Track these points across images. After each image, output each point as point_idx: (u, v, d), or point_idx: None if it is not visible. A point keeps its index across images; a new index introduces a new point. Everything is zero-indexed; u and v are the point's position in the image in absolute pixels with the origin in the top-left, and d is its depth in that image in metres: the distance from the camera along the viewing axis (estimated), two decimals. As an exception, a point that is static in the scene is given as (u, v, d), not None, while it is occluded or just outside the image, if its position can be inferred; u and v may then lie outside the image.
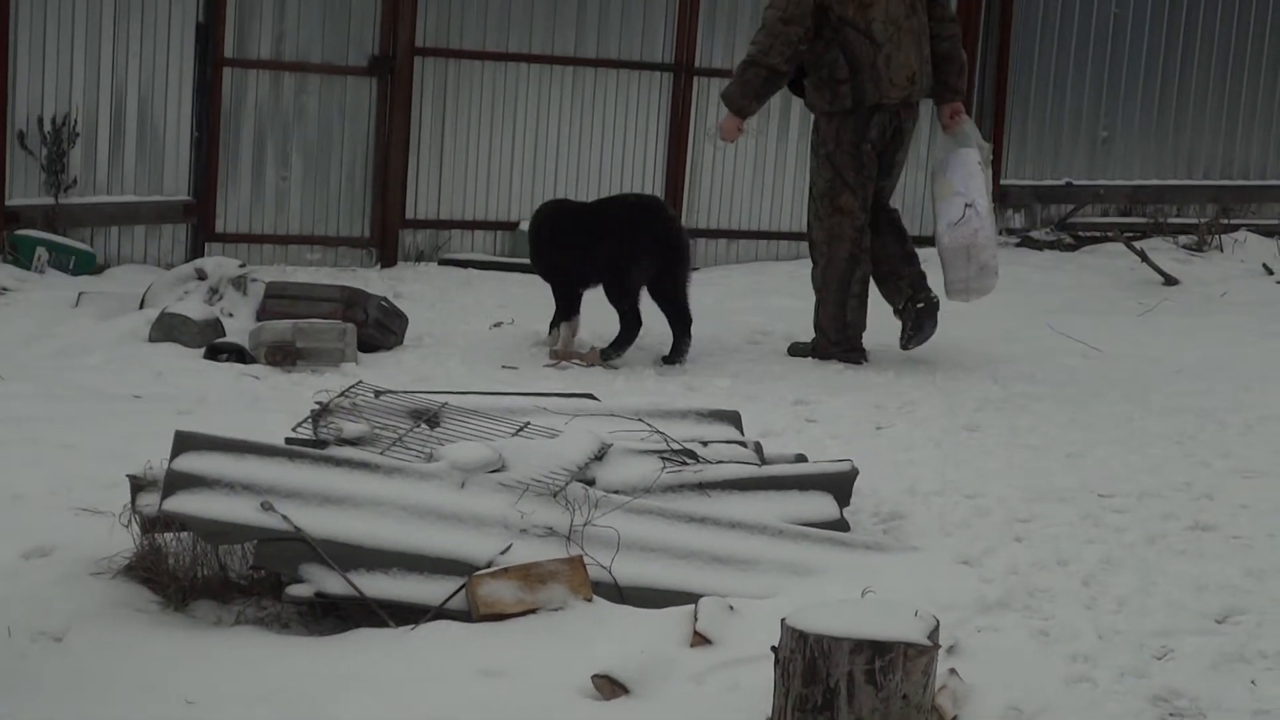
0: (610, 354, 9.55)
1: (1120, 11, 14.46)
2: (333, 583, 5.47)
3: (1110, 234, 13.95)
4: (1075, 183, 14.53)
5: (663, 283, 9.65)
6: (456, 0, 12.51)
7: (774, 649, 4.65)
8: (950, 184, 9.95)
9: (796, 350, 10.02)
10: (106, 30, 11.56)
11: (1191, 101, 14.66)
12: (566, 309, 9.83)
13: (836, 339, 9.82)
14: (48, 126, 11.40)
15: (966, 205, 9.86)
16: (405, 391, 6.89)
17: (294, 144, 12.27)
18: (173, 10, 11.76)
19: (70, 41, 11.44)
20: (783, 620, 4.64)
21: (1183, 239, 14.03)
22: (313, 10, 12.12)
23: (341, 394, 6.58)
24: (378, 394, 6.66)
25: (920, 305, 9.82)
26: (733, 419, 7.10)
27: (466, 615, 5.42)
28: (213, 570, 5.77)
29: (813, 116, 9.96)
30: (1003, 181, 14.13)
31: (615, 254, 9.54)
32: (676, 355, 9.61)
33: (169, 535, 5.81)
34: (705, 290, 12.13)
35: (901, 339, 9.85)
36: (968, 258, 9.87)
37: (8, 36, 11.16)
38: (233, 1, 11.96)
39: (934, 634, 4.62)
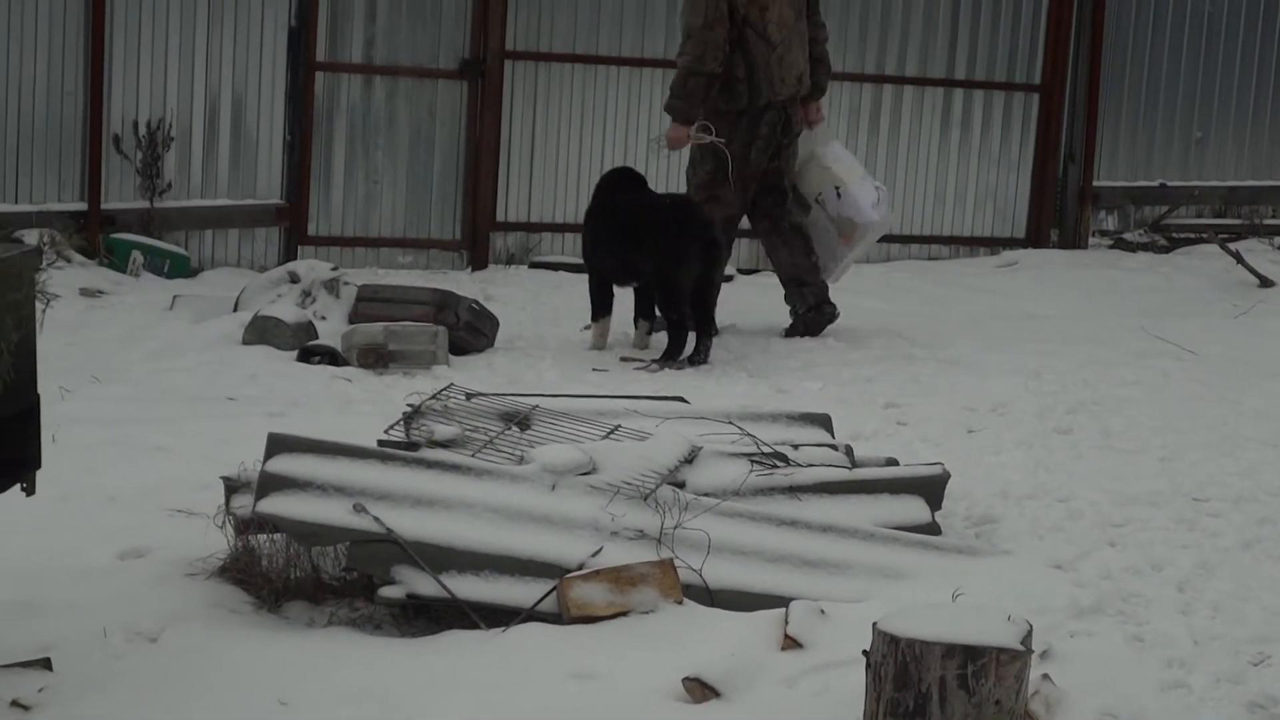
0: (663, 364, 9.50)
1: (1214, 10, 14.33)
2: (424, 584, 5.49)
3: (1205, 235, 13.83)
4: (1169, 184, 14.41)
5: (698, 285, 9.59)
6: (546, 3, 12.53)
7: (865, 653, 4.63)
8: (850, 170, 10.53)
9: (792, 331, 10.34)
10: (200, 35, 11.65)
11: (1288, 101, 14.55)
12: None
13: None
14: (143, 131, 11.52)
15: (876, 186, 10.56)
16: (496, 394, 6.91)
17: (385, 147, 12.32)
18: (265, 15, 11.84)
19: (165, 46, 11.55)
20: (874, 624, 4.63)
21: (1279, 240, 13.88)
22: (403, 14, 12.17)
23: (433, 396, 6.61)
24: (469, 396, 6.68)
25: (825, 312, 10.34)
26: (823, 422, 7.08)
27: (557, 617, 5.43)
28: (305, 572, 5.81)
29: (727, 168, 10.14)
30: (1095, 183, 14.05)
31: (664, 258, 9.50)
32: (700, 355, 9.54)
33: (262, 537, 5.86)
34: (795, 292, 12.13)
35: (787, 330, 10.35)
36: (872, 239, 10.64)
37: (103, 43, 11.28)
38: (324, 5, 12.02)
39: (1027, 639, 4.59)
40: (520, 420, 6.51)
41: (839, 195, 10.47)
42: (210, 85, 11.74)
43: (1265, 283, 12.57)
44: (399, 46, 12.20)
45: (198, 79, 11.69)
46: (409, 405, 6.54)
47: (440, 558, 5.53)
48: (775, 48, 10.08)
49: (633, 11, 12.74)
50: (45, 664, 5.02)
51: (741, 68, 10.03)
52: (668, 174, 11.68)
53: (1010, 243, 13.78)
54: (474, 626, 5.43)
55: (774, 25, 10.08)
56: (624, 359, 9.65)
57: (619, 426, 6.55)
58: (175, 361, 9.20)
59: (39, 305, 4.73)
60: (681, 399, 7.49)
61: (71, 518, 6.33)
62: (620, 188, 9.96)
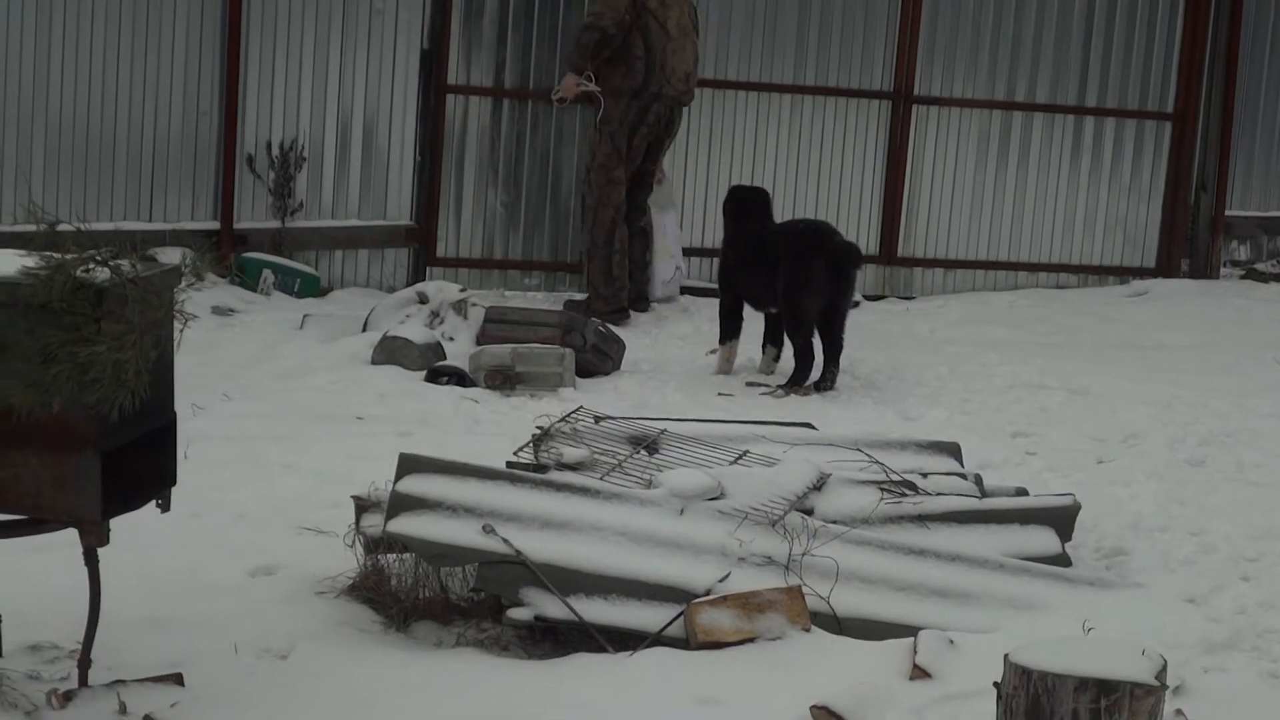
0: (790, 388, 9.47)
1: (1350, 39, 14.16)
2: (552, 606, 5.51)
3: (1338, 266, 13.67)
4: (1303, 214, 14.24)
5: (825, 310, 9.56)
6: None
7: (996, 685, 4.59)
8: (665, 246, 11.95)
9: (571, 305, 11.11)
10: (334, 57, 11.76)
11: None
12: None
13: (606, 293, 11.27)
14: (275, 151, 11.63)
15: (677, 267, 12.02)
16: (624, 417, 6.91)
17: (514, 170, 12.38)
18: (399, 38, 11.93)
19: (299, 68, 11.66)
20: (1006, 656, 4.58)
21: None
22: (534, 38, 12.22)
23: (562, 419, 6.62)
24: (597, 419, 6.69)
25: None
26: (952, 450, 7.03)
27: (684, 643, 5.42)
28: (434, 592, 5.83)
29: (604, 107, 11.23)
30: (1227, 213, 13.89)
31: (792, 283, 9.49)
32: (827, 382, 9.51)
33: (391, 556, 5.89)
34: (920, 319, 12.09)
35: (572, 303, 11.31)
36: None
37: (239, 64, 11.41)
38: (457, 29, 12.10)
39: (1161, 674, 4.53)
40: (648, 444, 6.50)
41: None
42: (343, 106, 11.84)
43: (1400, 315, 12.38)
44: (529, 70, 12.24)
45: (330, 100, 11.79)
46: (538, 427, 6.55)
47: (568, 580, 5.54)
48: (671, 40, 11.21)
49: (762, 37, 12.72)
50: (177, 679, 5.07)
51: (640, 47, 11.16)
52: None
53: (1140, 272, 13.64)
54: (600, 650, 5.44)
55: (673, 23, 11.23)
56: (750, 384, 9.63)
57: (747, 452, 6.53)
58: (305, 380, 9.27)
59: (177, 325, 4.76)
60: (809, 425, 7.46)
61: (202, 534, 6.39)
62: (754, 210, 9.97)
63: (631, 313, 11.39)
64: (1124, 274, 13.63)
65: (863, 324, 11.02)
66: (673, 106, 11.44)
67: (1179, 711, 4.80)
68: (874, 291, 12.93)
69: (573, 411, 6.74)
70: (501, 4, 12.18)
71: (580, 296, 11.62)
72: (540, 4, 12.20)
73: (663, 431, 6.63)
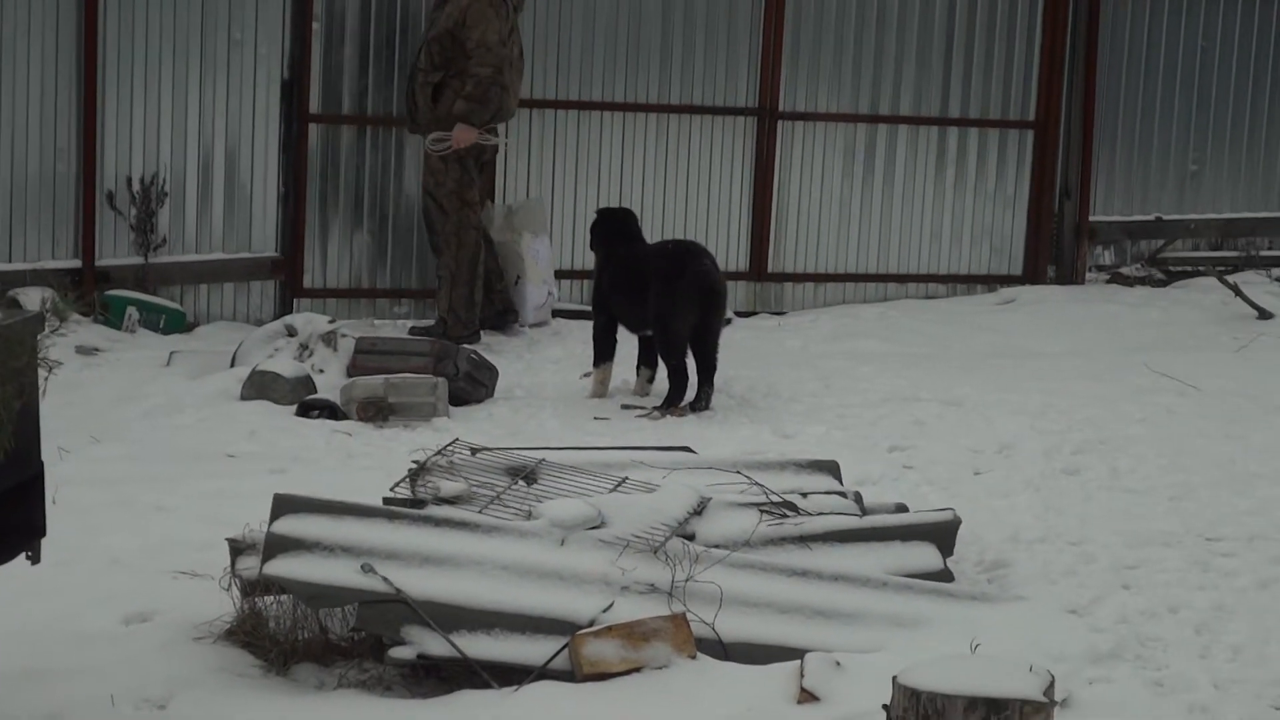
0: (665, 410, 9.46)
1: (1206, 44, 14.32)
2: (435, 644, 5.44)
3: (1202, 268, 13.81)
4: (1165, 217, 14.37)
5: (697, 330, 9.55)
6: (540, 53, 12.48)
7: (886, 708, 4.56)
8: (537, 269, 11.94)
9: (417, 331, 11.23)
10: (193, 90, 11.60)
11: (1282, 133, 14.53)
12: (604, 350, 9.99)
13: (466, 319, 11.27)
14: (136, 186, 11.45)
15: (550, 292, 12.03)
16: (501, 448, 6.86)
17: (379, 198, 12.27)
18: (259, 69, 11.79)
19: (158, 102, 11.49)
20: (894, 678, 4.55)
21: (1276, 272, 13.88)
22: (395, 65, 12.12)
23: (438, 452, 6.55)
24: (474, 451, 6.63)
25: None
26: (831, 469, 7.03)
27: (570, 675, 5.38)
28: (314, 633, 5.75)
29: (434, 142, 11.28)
30: (1091, 217, 14.00)
31: (663, 305, 9.48)
32: (702, 402, 9.50)
33: (269, 599, 5.80)
34: (792, 335, 12.10)
35: (427, 329, 11.32)
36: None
37: (95, 98, 11.23)
38: (317, 58, 11.98)
39: (1049, 689, 4.52)
40: (527, 475, 6.45)
41: (516, 282, 11.88)
42: (204, 139, 11.69)
43: (1264, 315, 12.53)
44: (392, 97, 12.14)
45: (191, 133, 11.63)
46: (414, 461, 6.48)
47: (450, 616, 5.47)
48: (517, 71, 11.52)
49: (626, 57, 12.70)
50: (53, 734, 4.96)
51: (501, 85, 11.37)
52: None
53: (1008, 280, 13.73)
54: (486, 686, 5.38)
55: (517, 53, 11.49)
56: (625, 406, 9.60)
57: (626, 479, 6.49)
58: (173, 419, 9.13)
59: (42, 373, 4.65)
60: (688, 449, 7.44)
61: (74, 581, 6.26)
62: (623, 231, 9.96)
63: (481, 333, 11.41)
64: (992, 282, 13.72)
65: (735, 341, 11.00)
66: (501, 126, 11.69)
67: (1067, 725, 4.81)
68: (745, 308, 12.94)
69: (449, 444, 6.68)
70: (362, 32, 12.09)
71: (426, 323, 11.56)
72: (401, 31, 12.11)
73: (540, 461, 6.58)
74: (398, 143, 12.19)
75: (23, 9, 11.03)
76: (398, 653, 5.45)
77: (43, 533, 5.02)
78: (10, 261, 11.11)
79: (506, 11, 11.25)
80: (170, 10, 11.48)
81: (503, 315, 11.72)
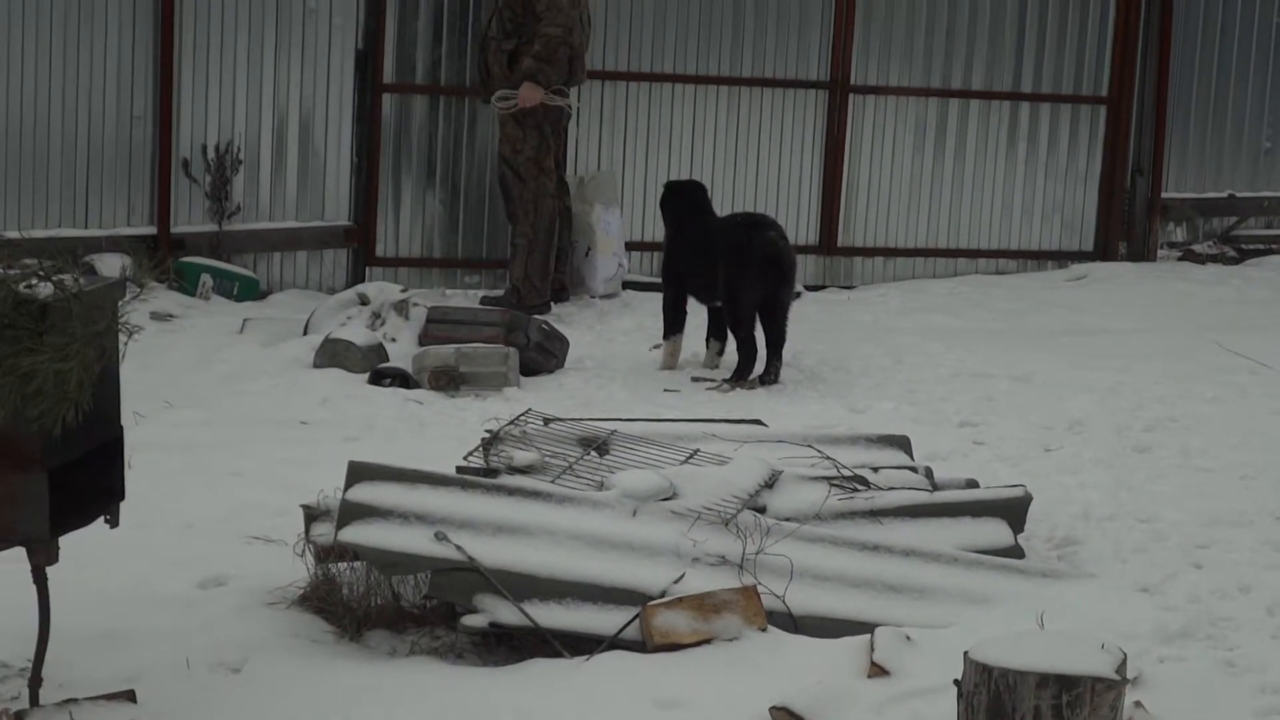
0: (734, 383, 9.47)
1: (1282, 20, 14.23)
2: (507, 613, 5.47)
3: (1275, 246, 13.72)
4: (1238, 195, 14.29)
5: (766, 303, 9.56)
6: (612, 25, 12.49)
7: (957, 682, 4.58)
8: (608, 241, 11.96)
9: (488, 300, 11.26)
10: (268, 59, 11.67)
11: (1357, 110, 14.41)
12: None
13: (541, 287, 11.29)
14: (211, 154, 11.53)
15: (620, 263, 12.01)
16: (574, 419, 6.88)
17: (451, 168, 12.32)
18: (333, 38, 11.85)
19: (234, 70, 11.56)
20: (966, 653, 4.58)
21: (1350, 251, 13.82)
22: (469, 36, 12.14)
23: (511, 422, 6.58)
24: (546, 421, 6.65)
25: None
26: (902, 444, 7.03)
27: (641, 645, 5.40)
28: (386, 600, 5.79)
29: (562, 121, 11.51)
30: (1164, 195, 13.93)
31: (731, 277, 9.48)
32: (771, 375, 9.51)
33: (342, 565, 5.85)
34: (862, 309, 12.09)
35: (500, 299, 11.33)
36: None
37: (172, 67, 11.31)
38: (392, 27, 12.02)
39: (1121, 667, 4.53)
40: (599, 445, 6.47)
41: (586, 253, 11.91)
42: (279, 108, 11.75)
43: (1338, 294, 12.45)
44: (466, 68, 12.17)
45: (265, 102, 11.70)
46: (487, 431, 6.51)
47: (522, 585, 5.50)
48: (588, 36, 11.58)
49: (698, 30, 12.69)
50: (130, 696, 5.02)
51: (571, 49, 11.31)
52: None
53: (1079, 256, 13.68)
54: (557, 655, 5.41)
55: (587, 18, 11.51)
56: (695, 379, 9.61)
57: (698, 451, 6.51)
58: (247, 385, 9.20)
59: (121, 338, 4.71)
60: (760, 422, 7.44)
61: (151, 546, 6.32)
62: (693, 203, 9.98)
63: (552, 305, 11.40)
64: (1062, 258, 13.67)
65: (805, 315, 11.00)
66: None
67: (1138, 703, 4.81)
68: (815, 282, 12.93)
69: (521, 414, 6.70)
70: (436, 2, 12.12)
71: (496, 293, 11.60)
72: (475, 1, 12.13)
73: (613, 432, 6.60)
74: (471, 113, 12.22)
75: (101, -23, 11.13)
76: (470, 620, 5.48)
77: (121, 496, 5.07)
78: (87, 228, 11.21)
79: None
80: (247, -20, 11.57)
81: (557, 293, 11.64)
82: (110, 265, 10.04)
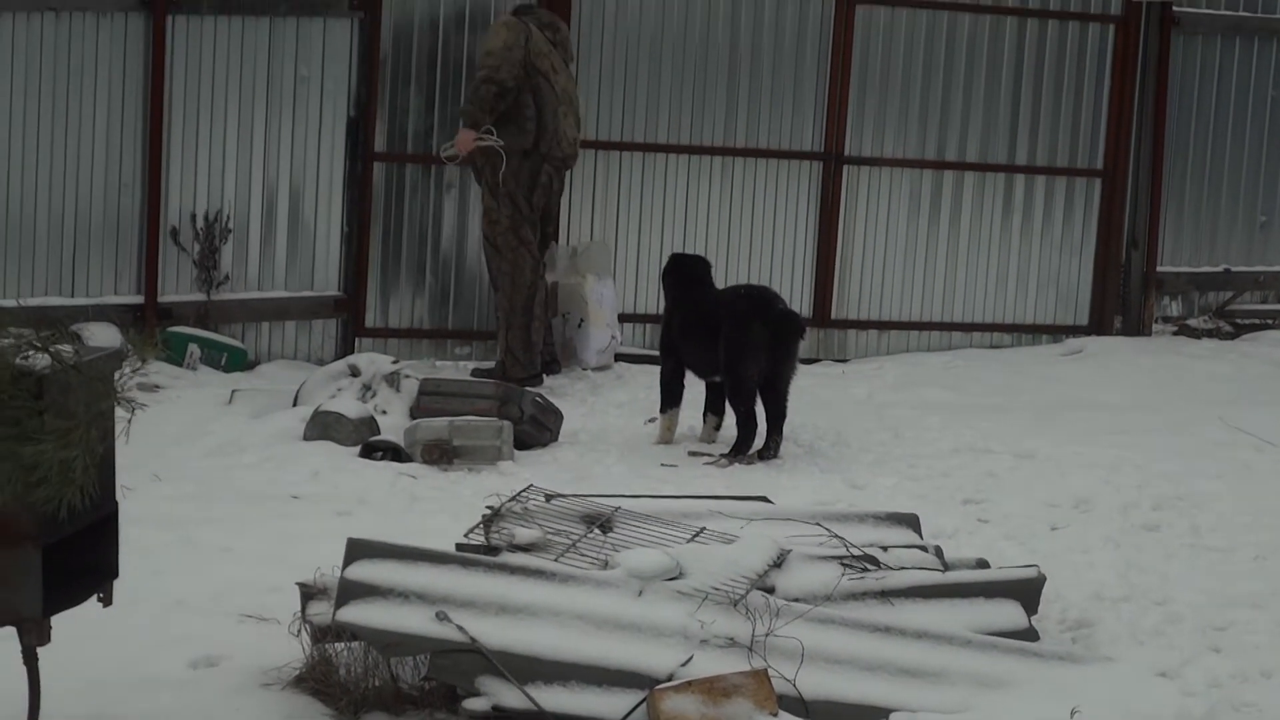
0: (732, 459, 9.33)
1: (1276, 94, 14.17)
2: (510, 696, 5.33)
3: (1270, 321, 13.63)
4: (1233, 269, 14.21)
5: (768, 377, 9.43)
6: (605, 95, 12.41)
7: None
8: (600, 312, 11.85)
9: (478, 373, 11.08)
10: (259, 127, 11.56)
11: (1354, 185, 14.35)
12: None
13: (525, 359, 11.07)
14: (200, 223, 11.40)
15: (613, 336, 11.89)
16: (576, 495, 6.74)
17: (442, 238, 12.20)
18: (324, 106, 11.74)
19: (223, 138, 11.44)
20: (992, 743, 4.43)
21: (1347, 326, 13.72)
22: (457, 106, 12.02)
23: (512, 498, 6.43)
24: (548, 498, 6.51)
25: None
26: (911, 522, 6.89)
27: (649, 731, 5.24)
28: (385, 681, 5.64)
29: (500, 170, 11.05)
30: (1159, 268, 13.85)
31: (734, 350, 9.37)
32: (770, 451, 9.37)
33: (339, 645, 5.69)
34: (857, 383, 11.96)
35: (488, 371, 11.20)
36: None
37: (161, 135, 11.19)
38: (383, 96, 11.92)
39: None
40: (602, 523, 6.33)
41: (579, 325, 11.83)
42: (269, 176, 11.63)
43: (1337, 370, 12.34)
44: (453, 136, 12.06)
45: (255, 170, 11.58)
46: (488, 507, 6.36)
47: (526, 668, 5.36)
48: (561, 103, 11.18)
49: (692, 100, 12.61)
50: (122, 783, 4.85)
51: (531, 108, 11.03)
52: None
53: (1074, 330, 13.58)
54: (562, 740, 5.25)
55: (560, 87, 11.18)
56: (692, 453, 9.48)
57: (704, 529, 6.36)
58: (236, 458, 9.05)
59: (124, 413, 4.56)
60: (765, 499, 7.31)
61: (140, 624, 6.17)
62: (695, 277, 9.87)
63: (544, 376, 11.22)
64: (1057, 332, 13.57)
65: (801, 388, 10.79)
66: (559, 168, 11.32)
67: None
68: (809, 354, 12.79)
69: (523, 490, 6.55)
70: (429, 71, 12.03)
71: (486, 365, 11.45)
72: (467, 70, 12.02)
73: (617, 509, 6.45)
74: (462, 182, 12.11)
75: (90, 43, 11.00)
76: (472, 704, 5.33)
77: (115, 574, 4.93)
78: (73, 296, 11.06)
79: (526, 34, 10.97)
80: (237, 47, 11.44)
81: (548, 365, 11.45)
82: (99, 335, 9.87)
